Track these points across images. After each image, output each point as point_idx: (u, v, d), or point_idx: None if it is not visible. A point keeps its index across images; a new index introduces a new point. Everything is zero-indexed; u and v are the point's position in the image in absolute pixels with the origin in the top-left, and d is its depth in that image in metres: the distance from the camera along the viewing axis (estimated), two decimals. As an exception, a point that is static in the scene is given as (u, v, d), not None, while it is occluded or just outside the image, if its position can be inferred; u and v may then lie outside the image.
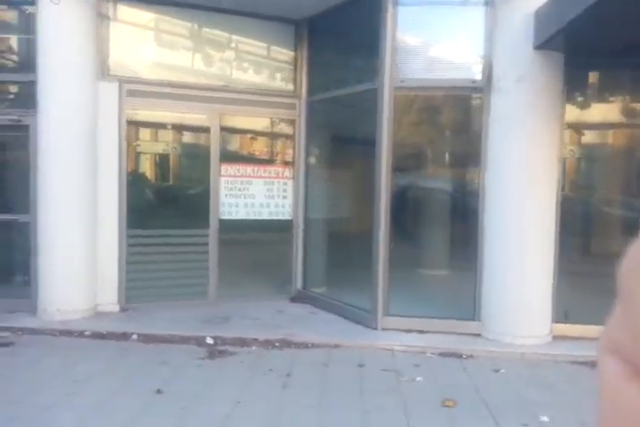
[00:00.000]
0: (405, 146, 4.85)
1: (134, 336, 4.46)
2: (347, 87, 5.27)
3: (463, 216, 4.98)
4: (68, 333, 4.50)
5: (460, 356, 4.09)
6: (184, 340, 4.39)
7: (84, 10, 4.73)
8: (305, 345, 4.32)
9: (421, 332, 4.52)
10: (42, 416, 2.95)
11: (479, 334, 4.47)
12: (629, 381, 0.26)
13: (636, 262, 0.26)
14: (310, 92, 5.64)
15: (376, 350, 4.21)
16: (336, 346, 4.31)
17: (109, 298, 5.15)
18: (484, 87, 4.49)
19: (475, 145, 4.60)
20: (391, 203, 4.62)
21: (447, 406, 3.21)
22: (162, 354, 4.06)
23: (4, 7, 5.09)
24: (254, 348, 4.29)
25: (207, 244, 5.50)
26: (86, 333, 4.50)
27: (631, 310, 0.26)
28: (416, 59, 4.65)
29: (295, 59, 5.69)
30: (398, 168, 4.74)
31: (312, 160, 5.77)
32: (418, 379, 3.64)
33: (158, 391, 3.35)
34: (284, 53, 5.76)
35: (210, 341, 4.38)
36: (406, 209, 5.08)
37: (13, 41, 5.12)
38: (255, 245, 5.95)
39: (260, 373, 3.73)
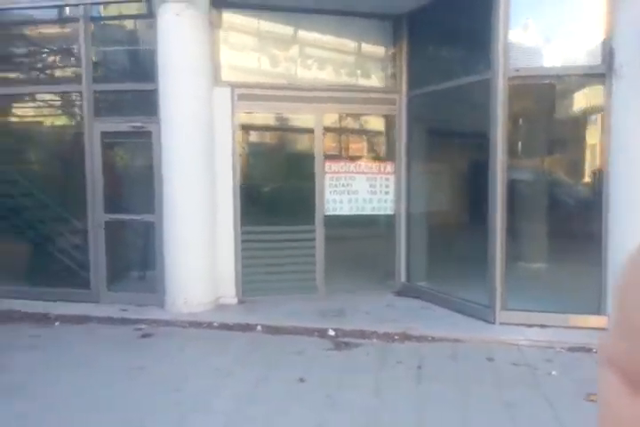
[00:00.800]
0: (520, 136, 4.76)
1: (259, 328, 4.70)
2: (451, 80, 5.22)
3: (584, 209, 4.84)
4: (197, 324, 4.82)
5: (589, 350, 4.01)
6: (307, 332, 4.58)
7: (198, 20, 4.98)
8: (425, 339, 4.38)
9: (543, 326, 4.46)
10: (202, 402, 3.20)
11: (605, 329, 4.34)
12: (626, 393, 0.27)
13: (631, 275, 0.27)
14: (411, 86, 5.66)
15: (500, 344, 4.20)
16: (457, 340, 4.33)
17: (228, 291, 5.44)
18: (605, 74, 4.33)
19: (594, 135, 4.45)
20: (507, 195, 4.57)
21: (592, 401, 3.18)
22: (291, 345, 4.26)
23: (124, 21, 5.47)
24: (375, 340, 4.41)
25: (314, 239, 5.68)
26: (214, 324, 4.80)
27: (628, 324, 0.26)
28: (530, 47, 4.55)
29: (394, 54, 5.71)
30: (513, 160, 4.67)
31: (413, 155, 5.79)
32: (553, 373, 3.61)
33: (301, 380, 3.53)
34: (383, 50, 5.80)
35: (332, 333, 4.54)
36: (522, 202, 5.00)
37: (134, 52, 5.47)
38: (359, 239, 6.07)
39: (389, 365, 3.84)
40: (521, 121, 4.73)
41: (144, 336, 4.50)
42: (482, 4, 4.61)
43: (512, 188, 4.66)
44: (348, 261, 5.94)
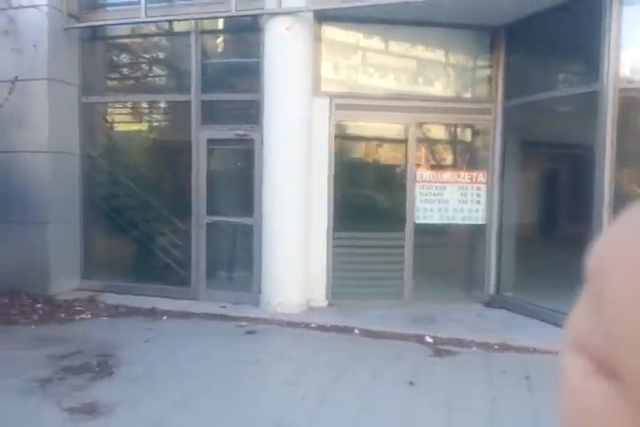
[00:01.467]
0: (629, 150, 4.68)
1: (356, 331, 4.83)
2: (551, 91, 5.21)
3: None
4: (294, 324, 5.00)
5: None
6: (404, 337, 4.67)
7: (304, 33, 5.21)
8: (527, 350, 4.37)
9: None
10: (325, 397, 3.34)
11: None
12: (594, 378, 0.25)
13: (607, 254, 0.24)
14: (507, 97, 5.66)
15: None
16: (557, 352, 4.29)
17: (318, 294, 5.61)
18: None
19: None
20: (613, 209, 4.49)
21: None
22: (391, 349, 4.36)
23: (231, 34, 5.79)
24: (474, 349, 4.44)
25: (403, 246, 5.76)
26: (311, 325, 4.97)
27: (604, 306, 0.24)
28: (643, 59, 4.48)
29: (490, 65, 5.74)
30: (620, 172, 4.60)
31: (507, 165, 5.78)
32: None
33: (411, 383, 3.62)
34: (479, 60, 5.85)
35: (429, 339, 4.61)
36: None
37: (239, 64, 5.78)
38: (448, 248, 6.10)
39: (494, 373, 3.86)
40: (631, 133, 4.64)
41: (249, 333, 4.73)
42: (589, 17, 4.59)
43: (618, 201, 4.58)
44: (435, 270, 5.99)
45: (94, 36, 6.10)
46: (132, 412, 3.04)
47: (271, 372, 3.78)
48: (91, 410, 3.03)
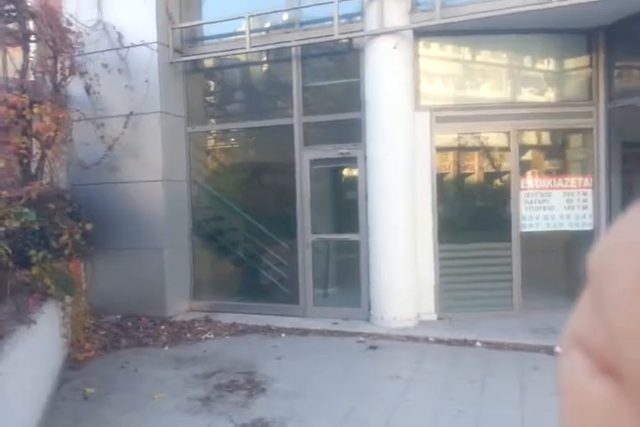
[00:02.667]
0: None
1: (478, 343, 4.80)
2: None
3: None
4: (412, 338, 5.02)
5: None
6: (531, 348, 4.60)
7: (403, 51, 5.33)
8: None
9: None
10: (481, 412, 3.35)
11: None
12: (595, 377, 0.24)
13: (610, 251, 0.24)
14: (609, 99, 5.57)
15: None
16: None
17: (428, 308, 5.62)
18: None
19: None
20: None
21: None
22: (524, 360, 4.31)
23: (330, 57, 5.99)
24: (610, 359, 4.31)
25: (510, 256, 5.70)
26: (430, 339, 4.98)
27: (605, 304, 0.24)
28: None
29: (590, 67, 5.66)
30: None
31: (613, 168, 5.65)
32: None
33: (553, 394, 3.56)
34: (578, 63, 5.79)
35: (559, 350, 4.51)
36: None
37: (339, 85, 5.96)
38: (556, 256, 5.99)
39: None
40: None
41: (371, 348, 4.79)
42: None
43: None
44: (544, 278, 5.88)
45: (196, 67, 6.45)
46: (304, 426, 3.15)
47: (417, 386, 3.81)
48: (263, 425, 3.16)
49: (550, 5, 4.78)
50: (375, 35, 5.26)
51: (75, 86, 5.56)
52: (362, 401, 3.55)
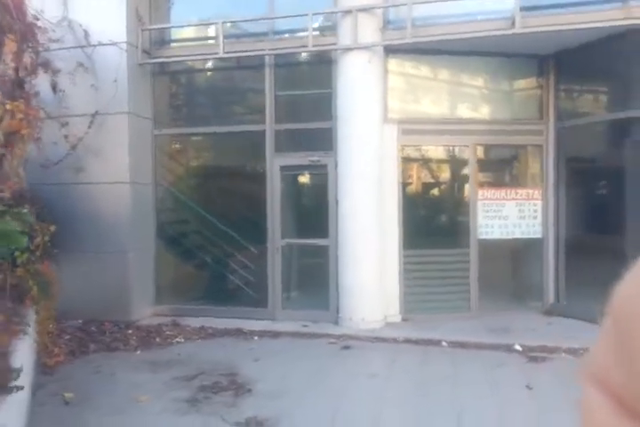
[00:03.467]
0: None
1: (444, 343, 5.09)
2: (601, 115, 5.66)
3: None
4: (381, 339, 5.24)
5: None
6: (492, 347, 4.94)
7: (374, 65, 5.59)
8: (611, 353, 4.67)
9: None
10: (463, 405, 3.59)
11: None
12: (615, 417, 0.25)
13: (635, 297, 0.25)
14: (558, 119, 6.10)
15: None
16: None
17: (394, 310, 5.87)
18: None
19: None
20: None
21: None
22: (488, 358, 4.63)
23: (303, 67, 6.16)
24: (563, 355, 4.73)
25: (468, 261, 6.08)
26: (399, 339, 5.22)
27: (629, 347, 0.24)
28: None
29: (541, 90, 6.19)
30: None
31: (560, 182, 6.18)
32: None
33: (528, 387, 3.89)
34: (530, 86, 6.30)
35: (518, 348, 4.89)
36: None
37: (311, 95, 6.12)
38: (509, 262, 6.44)
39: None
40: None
41: (344, 348, 4.95)
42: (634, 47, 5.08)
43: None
44: (497, 283, 6.31)
45: (164, 70, 6.40)
46: (296, 423, 3.25)
47: (395, 384, 4.01)
48: (257, 424, 3.23)
49: (509, 32, 5.21)
50: (349, 49, 5.50)
51: (39, 83, 5.38)
52: (346, 399, 3.69)
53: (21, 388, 2.45)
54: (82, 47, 5.82)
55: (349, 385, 3.97)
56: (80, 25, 5.82)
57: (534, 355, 4.71)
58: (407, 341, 5.18)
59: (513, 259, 6.48)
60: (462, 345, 5.01)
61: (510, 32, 5.15)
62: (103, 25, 5.79)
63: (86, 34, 5.81)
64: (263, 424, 3.22)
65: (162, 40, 6.39)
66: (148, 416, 3.36)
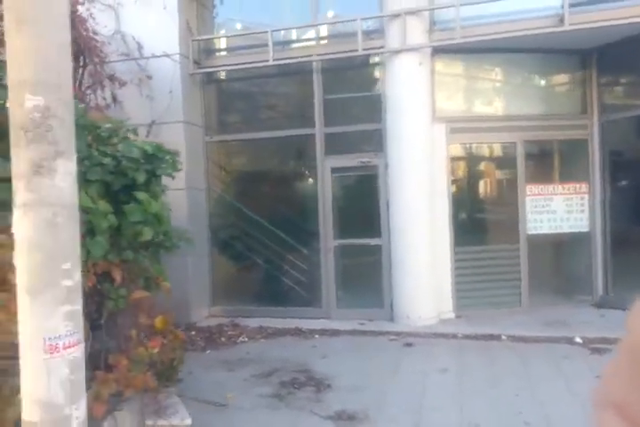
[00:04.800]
0: None
1: (503, 337, 5.19)
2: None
3: None
4: (441, 335, 5.35)
5: None
6: (553, 340, 5.03)
7: (423, 66, 5.70)
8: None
9: None
10: (542, 398, 3.70)
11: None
12: None
13: None
14: (601, 113, 6.16)
15: None
16: None
17: (447, 306, 5.98)
18: None
19: None
20: None
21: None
22: (551, 351, 4.72)
23: (351, 70, 6.30)
24: (624, 346, 4.80)
25: (518, 257, 6.16)
26: (458, 335, 5.33)
27: None
28: None
29: (584, 84, 6.24)
30: None
31: (606, 175, 6.23)
32: None
33: (598, 377, 3.97)
34: (574, 80, 6.36)
35: (579, 340, 4.97)
36: None
37: (360, 97, 6.25)
38: (557, 256, 6.51)
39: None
40: None
41: (407, 345, 5.07)
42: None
43: None
44: (546, 277, 6.38)
45: (212, 78, 6.59)
46: (385, 416, 3.38)
47: (467, 378, 4.12)
48: (348, 417, 3.37)
49: (558, 29, 5.29)
50: (397, 51, 5.62)
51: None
52: (424, 392, 3.82)
53: (181, 380, 2.62)
54: (135, 59, 6.02)
55: (424, 380, 4.09)
56: (133, 37, 6.02)
57: (596, 346, 4.79)
58: (467, 336, 5.28)
59: (561, 253, 6.54)
60: (522, 339, 5.10)
61: (560, 29, 5.22)
62: (155, 37, 5.99)
63: (139, 46, 6.01)
64: (355, 417, 3.36)
65: (209, 50, 6.58)
66: (243, 412, 3.52)
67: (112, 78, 5.23)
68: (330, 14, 6.16)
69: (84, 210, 2.15)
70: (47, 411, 1.15)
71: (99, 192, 2.40)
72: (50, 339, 1.14)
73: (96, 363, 2.37)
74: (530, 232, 6.18)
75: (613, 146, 6.23)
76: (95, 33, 5.53)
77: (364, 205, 6.19)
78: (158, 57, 5.98)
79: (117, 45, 6.02)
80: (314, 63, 6.03)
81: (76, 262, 1.20)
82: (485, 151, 6.37)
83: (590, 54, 6.15)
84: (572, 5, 5.27)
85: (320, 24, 6.07)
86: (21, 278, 1.15)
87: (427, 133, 5.80)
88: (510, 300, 6.16)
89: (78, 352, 1.17)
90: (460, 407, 3.52)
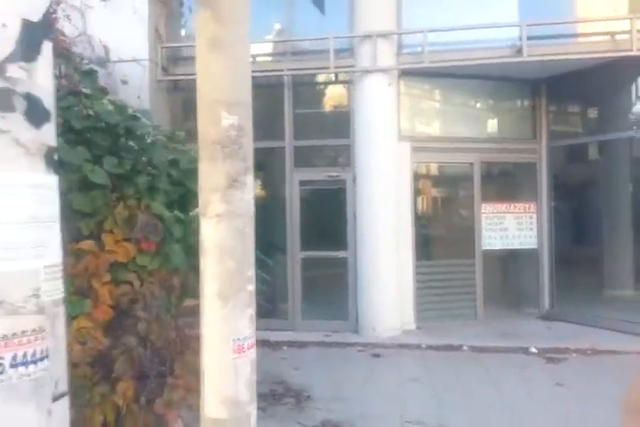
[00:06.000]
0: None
1: (465, 348, 5.42)
2: (591, 136, 6.27)
3: None
4: (405, 346, 5.51)
5: None
6: (510, 350, 5.31)
7: (390, 87, 5.95)
8: (614, 352, 5.15)
9: None
10: (514, 404, 3.90)
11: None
12: None
13: None
14: (550, 139, 6.67)
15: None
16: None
17: (409, 318, 6.16)
18: None
19: None
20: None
21: None
22: (510, 360, 5.00)
23: (321, 87, 6.43)
24: (574, 355, 5.17)
25: (474, 271, 6.49)
26: (422, 345, 5.50)
27: None
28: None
29: (534, 111, 6.75)
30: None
31: (553, 196, 6.73)
32: None
33: (557, 384, 4.26)
34: (525, 107, 6.86)
35: (534, 350, 5.29)
36: None
37: (329, 113, 6.40)
38: (509, 271, 6.90)
39: (613, 372, 4.58)
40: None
41: (374, 356, 5.18)
42: (614, 78, 5.72)
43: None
44: (500, 291, 6.75)
45: (177, 86, 6.50)
46: (371, 425, 3.45)
47: (440, 386, 4.27)
48: (334, 426, 3.40)
49: (517, 59, 5.72)
50: (367, 71, 5.84)
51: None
52: (402, 402, 3.93)
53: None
54: (105, 63, 5.85)
55: (399, 389, 4.20)
56: (100, 41, 5.86)
57: (550, 356, 5.12)
58: (430, 347, 5.47)
59: (512, 268, 6.95)
60: (482, 350, 5.36)
61: (518, 59, 5.64)
62: (124, 42, 5.85)
63: (106, 50, 5.86)
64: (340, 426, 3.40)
65: (177, 57, 6.51)
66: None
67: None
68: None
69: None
70: (233, 409, 1.21)
71: (162, 201, 2.39)
72: (237, 340, 1.24)
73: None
74: (484, 248, 6.52)
75: (559, 169, 6.77)
76: (63, 35, 5.34)
77: (331, 218, 6.31)
78: (126, 61, 5.85)
79: (83, 48, 5.83)
80: (285, 77, 6.13)
81: (253, 269, 1.33)
82: (445, 170, 6.71)
83: (541, 84, 6.68)
84: (529, 38, 5.72)
85: (293, 40, 6.19)
86: (211, 284, 1.22)
87: (393, 151, 6.02)
88: (466, 312, 6.45)
89: (254, 354, 1.24)
90: (440, 415, 3.65)
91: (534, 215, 6.73)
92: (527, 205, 6.74)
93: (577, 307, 6.48)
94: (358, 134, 5.96)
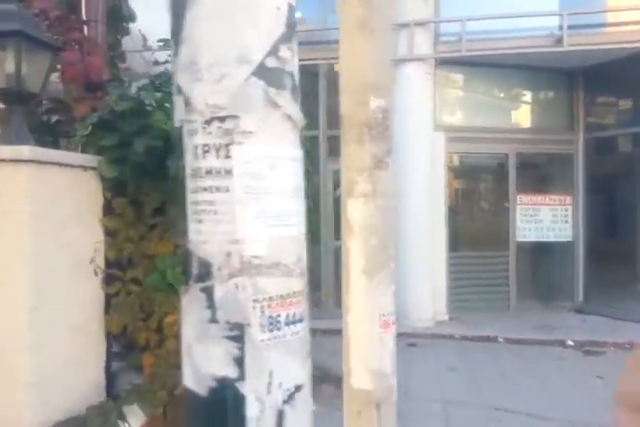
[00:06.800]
0: None
1: (500, 339, 5.39)
2: (629, 127, 6.14)
3: None
4: (440, 336, 5.50)
5: None
6: (547, 342, 5.27)
7: (427, 76, 5.91)
8: (657, 345, 5.07)
9: None
10: (553, 396, 3.88)
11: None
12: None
13: None
14: (587, 130, 6.56)
15: None
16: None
17: (442, 309, 6.14)
18: None
19: None
20: None
21: None
22: (548, 353, 4.95)
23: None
24: (612, 348, 5.10)
25: (507, 263, 6.44)
26: (455, 336, 5.49)
27: None
28: None
29: (572, 102, 6.64)
30: None
31: (589, 188, 6.62)
32: None
33: (598, 377, 4.22)
34: (562, 98, 6.75)
35: (571, 343, 5.24)
36: None
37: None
38: (542, 263, 6.82)
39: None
40: None
41: (410, 345, 5.18)
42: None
43: None
44: (534, 283, 6.69)
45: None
46: (419, 408, 3.47)
47: (477, 375, 4.26)
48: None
49: (557, 49, 5.62)
50: (405, 60, 5.80)
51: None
52: (442, 388, 3.93)
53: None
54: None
55: (438, 377, 4.21)
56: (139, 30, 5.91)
57: (587, 349, 5.06)
58: (463, 338, 5.45)
59: (546, 261, 6.87)
60: (518, 342, 5.32)
61: (559, 49, 5.55)
62: (158, 26, 5.90)
63: (144, 37, 5.90)
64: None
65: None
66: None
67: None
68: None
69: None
70: (379, 380, 1.26)
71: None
72: (383, 315, 1.28)
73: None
74: (519, 239, 6.46)
75: (596, 162, 6.64)
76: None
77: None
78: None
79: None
80: (319, 66, 6.12)
81: (395, 248, 1.38)
82: (480, 161, 6.64)
83: (578, 74, 6.56)
84: (569, 27, 5.62)
85: (328, 29, 6.17)
86: (357, 261, 1.27)
87: (428, 141, 5.99)
88: (499, 304, 6.41)
89: (394, 329, 1.31)
90: (484, 401, 3.65)
91: (569, 207, 6.64)
92: (563, 198, 6.64)
93: (610, 301, 6.39)
94: (396, 124, 5.91)
